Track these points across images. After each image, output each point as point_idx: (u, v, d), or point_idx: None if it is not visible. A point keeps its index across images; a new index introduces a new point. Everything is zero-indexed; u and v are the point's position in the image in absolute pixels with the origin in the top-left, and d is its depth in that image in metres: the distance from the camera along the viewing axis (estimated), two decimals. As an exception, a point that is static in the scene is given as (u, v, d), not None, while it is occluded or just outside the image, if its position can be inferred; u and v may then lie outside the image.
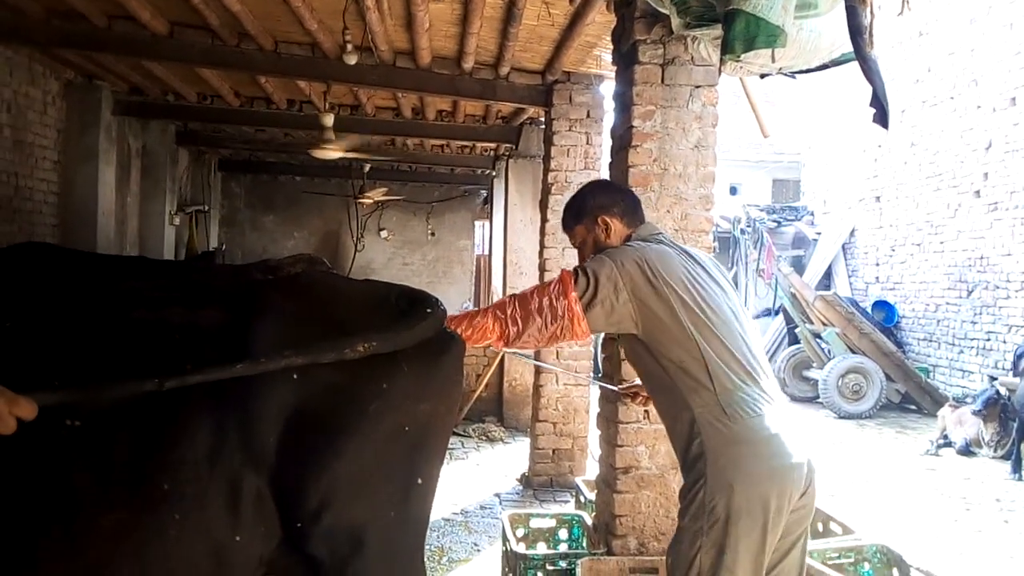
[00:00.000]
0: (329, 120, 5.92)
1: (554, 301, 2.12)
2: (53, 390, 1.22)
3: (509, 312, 2.14)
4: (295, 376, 1.43)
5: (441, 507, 5.03)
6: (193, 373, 1.34)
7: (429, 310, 1.61)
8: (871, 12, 2.13)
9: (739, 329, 2.19)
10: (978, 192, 10.02)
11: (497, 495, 5.60)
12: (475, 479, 5.94)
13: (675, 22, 2.90)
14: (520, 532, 3.69)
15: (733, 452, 2.05)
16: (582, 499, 4.36)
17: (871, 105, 2.33)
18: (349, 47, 4.47)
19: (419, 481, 1.59)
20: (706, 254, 2.41)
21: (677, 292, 2.13)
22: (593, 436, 4.50)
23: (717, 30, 2.77)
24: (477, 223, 13.51)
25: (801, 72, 3.13)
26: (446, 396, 1.66)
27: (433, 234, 13.33)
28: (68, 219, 6.60)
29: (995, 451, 7.45)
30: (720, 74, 3.34)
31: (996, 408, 7.42)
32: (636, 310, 2.13)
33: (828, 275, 13.45)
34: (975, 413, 7.53)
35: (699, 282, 2.19)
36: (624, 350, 2.30)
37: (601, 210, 2.36)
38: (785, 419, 2.14)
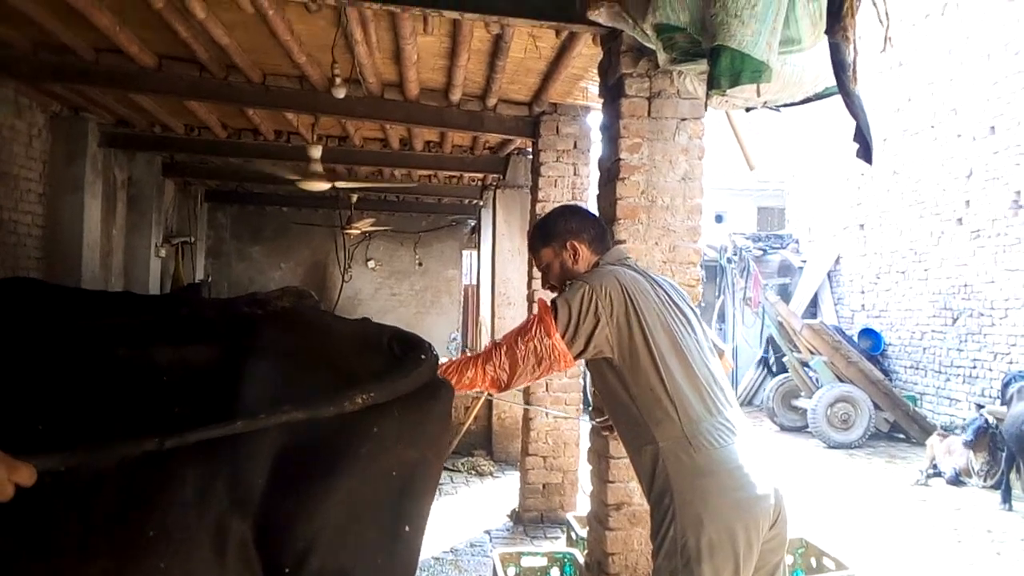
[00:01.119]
0: (317, 152, 5.92)
1: (539, 345, 2.14)
2: (52, 453, 1.19)
3: (498, 362, 2.16)
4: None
5: (430, 545, 4.96)
6: (193, 431, 1.30)
7: (423, 356, 1.59)
8: (854, 49, 2.15)
9: (704, 358, 2.19)
10: (960, 219, 10.13)
11: (487, 532, 5.53)
12: (465, 515, 5.86)
13: (661, 57, 2.92)
14: (511, 571, 3.63)
15: (699, 485, 2.04)
16: (573, 535, 4.31)
17: (855, 140, 2.35)
18: (338, 80, 4.48)
19: (406, 528, 1.55)
20: (671, 282, 2.42)
21: (648, 319, 2.14)
22: (584, 470, 4.46)
23: (703, 65, 2.79)
24: (465, 252, 13.52)
25: (786, 105, 3.17)
26: (435, 442, 1.64)
27: (421, 264, 13.31)
28: (53, 252, 6.53)
29: (985, 481, 7.44)
30: (706, 108, 3.36)
31: (985, 438, 7.43)
32: (613, 334, 2.14)
33: (814, 303, 13.52)
34: (965, 443, 7.53)
35: (667, 309, 2.20)
36: (592, 378, 2.31)
37: (571, 235, 2.37)
38: (751, 450, 2.13)
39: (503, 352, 2.17)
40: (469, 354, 2.39)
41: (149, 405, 1.41)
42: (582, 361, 2.29)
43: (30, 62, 4.98)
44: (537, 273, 5.59)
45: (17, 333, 1.67)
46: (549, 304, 2.19)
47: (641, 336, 2.12)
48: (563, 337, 2.13)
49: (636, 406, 2.13)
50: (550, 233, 2.40)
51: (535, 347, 2.14)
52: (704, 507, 2.01)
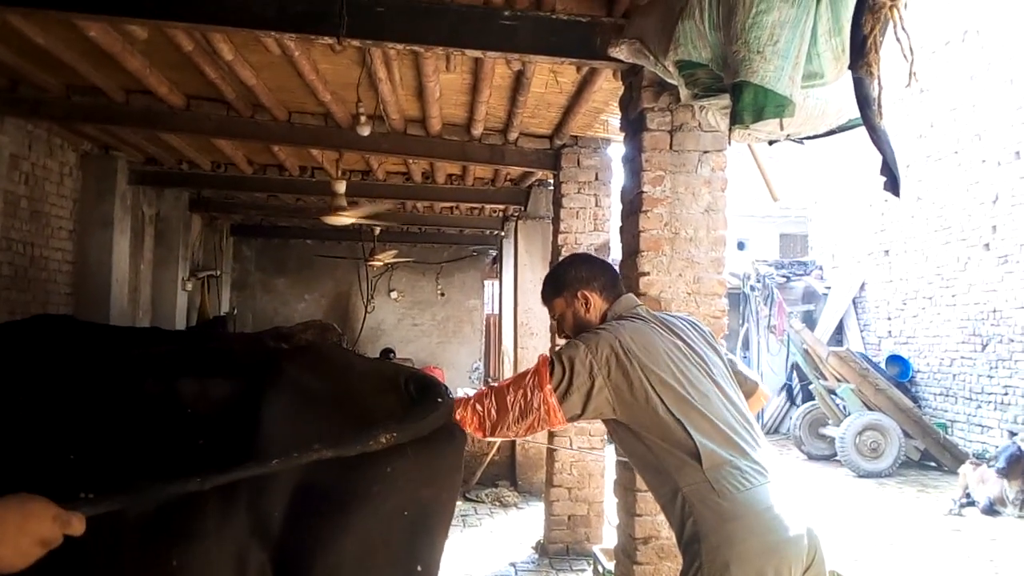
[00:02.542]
0: (342, 187, 6.01)
1: (529, 394, 2.11)
2: (100, 501, 1.20)
3: (486, 405, 2.13)
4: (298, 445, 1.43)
5: (455, 578, 4.92)
6: (233, 470, 1.32)
7: (440, 400, 1.61)
8: (879, 84, 2.16)
9: (724, 400, 2.15)
10: (987, 245, 10.01)
11: (512, 564, 5.48)
12: (489, 547, 5.81)
13: (683, 93, 2.94)
14: (538, 605, 3.59)
15: (726, 530, 1.99)
16: (600, 569, 4.26)
17: (881, 173, 2.34)
18: (362, 119, 4.56)
19: (419, 568, 1.56)
20: (688, 319, 2.39)
21: (654, 371, 2.10)
22: (609, 501, 4.42)
23: (725, 99, 2.81)
24: (487, 282, 13.56)
25: (809, 138, 3.17)
26: (448, 484, 1.66)
27: (443, 294, 13.37)
28: (82, 287, 6.65)
29: (1020, 510, 7.27)
30: (729, 142, 3.37)
31: (1019, 465, 7.27)
32: (612, 395, 2.10)
33: (840, 330, 13.37)
34: (998, 472, 7.37)
35: (678, 356, 2.16)
36: (608, 431, 2.28)
37: (581, 284, 2.35)
38: (780, 490, 2.08)
39: (493, 396, 2.15)
40: (491, 384, 2.38)
41: (174, 437, 1.43)
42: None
43: (63, 104, 5.12)
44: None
45: (46, 367, 1.72)
46: (549, 358, 2.19)
47: (643, 392, 2.08)
48: (555, 391, 2.10)
49: (654, 455, 2.10)
50: (560, 283, 2.39)
51: (525, 395, 2.11)
52: (731, 552, 1.97)
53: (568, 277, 2.39)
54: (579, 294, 2.34)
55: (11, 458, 1.39)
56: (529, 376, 2.15)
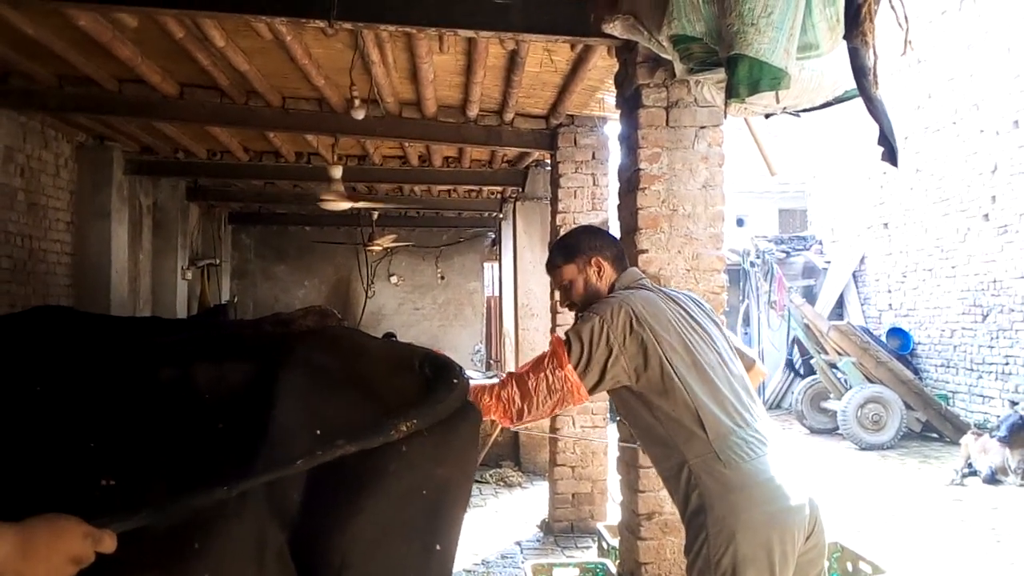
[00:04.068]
0: (338, 172, 5.98)
1: (550, 377, 2.14)
2: (130, 516, 1.20)
3: (509, 393, 2.15)
4: (318, 432, 1.43)
5: (461, 557, 4.95)
6: (260, 475, 1.32)
7: (456, 380, 1.61)
8: (874, 53, 2.14)
9: (727, 372, 2.18)
10: (987, 215, 9.99)
11: (518, 543, 5.52)
12: (494, 527, 5.86)
13: (678, 67, 2.93)
14: (544, 583, 3.63)
15: (731, 500, 2.02)
16: (604, 545, 4.30)
17: (879, 143, 2.33)
18: (356, 102, 4.53)
19: (438, 547, 1.57)
20: (690, 294, 2.41)
21: (665, 338, 2.12)
22: (613, 479, 4.45)
23: (720, 74, 2.79)
24: (486, 265, 13.55)
25: (806, 110, 3.16)
26: (464, 463, 1.66)
27: (443, 278, 13.35)
28: (82, 279, 6.65)
29: (1022, 478, 7.31)
30: (725, 116, 3.36)
31: (1021, 434, 7.31)
32: (628, 363, 2.13)
33: (840, 304, 13.38)
34: (1000, 440, 7.41)
35: (685, 326, 2.19)
36: (616, 404, 2.30)
37: (595, 251, 2.37)
38: (782, 461, 2.11)
39: (514, 383, 2.17)
40: (494, 372, 2.39)
41: (192, 423, 1.44)
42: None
43: (55, 95, 5.09)
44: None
45: (58, 357, 1.71)
46: (562, 338, 2.20)
47: (657, 359, 2.11)
48: (576, 368, 2.12)
49: (663, 426, 2.12)
50: (574, 250, 2.40)
51: (547, 378, 2.14)
52: (736, 522, 1.99)
53: (582, 244, 2.40)
54: (593, 260, 2.36)
55: (31, 449, 1.38)
56: (548, 359, 2.17)
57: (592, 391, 2.17)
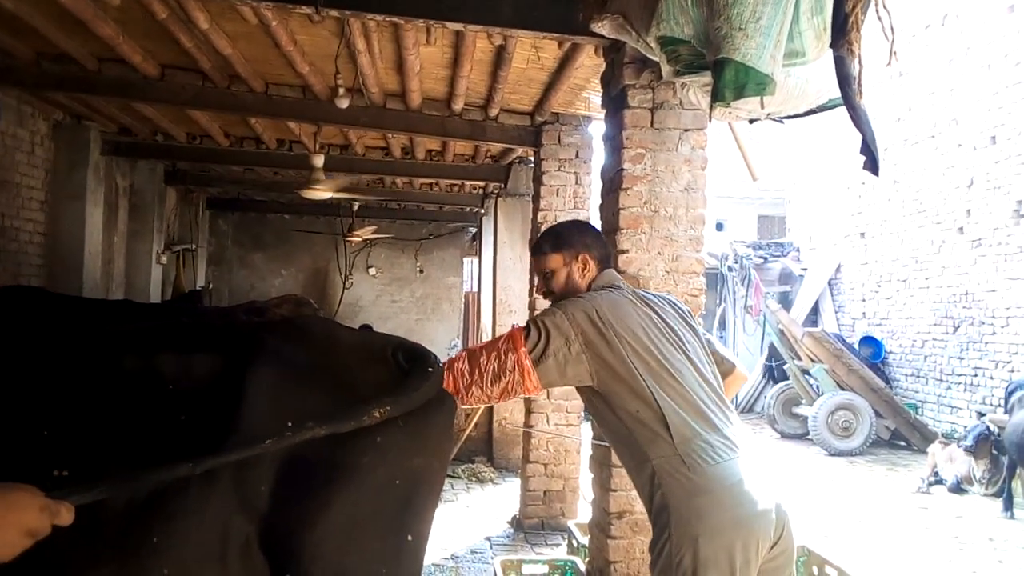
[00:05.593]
0: (320, 161, 5.93)
1: (503, 356, 2.11)
2: (88, 489, 1.17)
3: (459, 367, 2.12)
4: (289, 425, 1.40)
5: (431, 552, 4.93)
6: (225, 453, 1.30)
7: (431, 369, 1.59)
8: (859, 63, 2.16)
9: (697, 376, 2.17)
10: (961, 228, 10.14)
11: (488, 539, 5.52)
12: (465, 522, 5.85)
13: (665, 69, 2.93)
14: (513, 579, 3.63)
15: (695, 503, 2.01)
16: (575, 543, 4.30)
17: (861, 152, 2.35)
18: (341, 90, 4.50)
19: (409, 537, 1.55)
20: (667, 297, 2.41)
21: (629, 342, 2.12)
22: (585, 477, 4.45)
23: (706, 77, 2.80)
24: (466, 260, 13.53)
25: (789, 117, 3.17)
26: (439, 453, 1.64)
27: (422, 271, 13.32)
28: (54, 259, 6.54)
29: (986, 488, 7.44)
30: (710, 120, 3.37)
31: (987, 445, 7.42)
32: (590, 362, 2.12)
33: (815, 311, 13.52)
34: (966, 450, 7.53)
35: (653, 329, 2.18)
36: (584, 402, 2.30)
37: (584, 248, 2.36)
38: (750, 466, 2.10)
39: (467, 358, 2.14)
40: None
41: (155, 414, 1.41)
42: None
43: (33, 71, 4.99)
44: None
45: (20, 341, 1.67)
46: (522, 325, 2.19)
47: (619, 361, 2.10)
48: (530, 353, 2.10)
49: (627, 427, 2.12)
50: (564, 241, 2.38)
51: (499, 357, 2.11)
52: (700, 525, 1.99)
53: (573, 237, 2.39)
54: (580, 256, 2.35)
55: None
56: (503, 339, 2.16)
57: (545, 383, 2.15)
